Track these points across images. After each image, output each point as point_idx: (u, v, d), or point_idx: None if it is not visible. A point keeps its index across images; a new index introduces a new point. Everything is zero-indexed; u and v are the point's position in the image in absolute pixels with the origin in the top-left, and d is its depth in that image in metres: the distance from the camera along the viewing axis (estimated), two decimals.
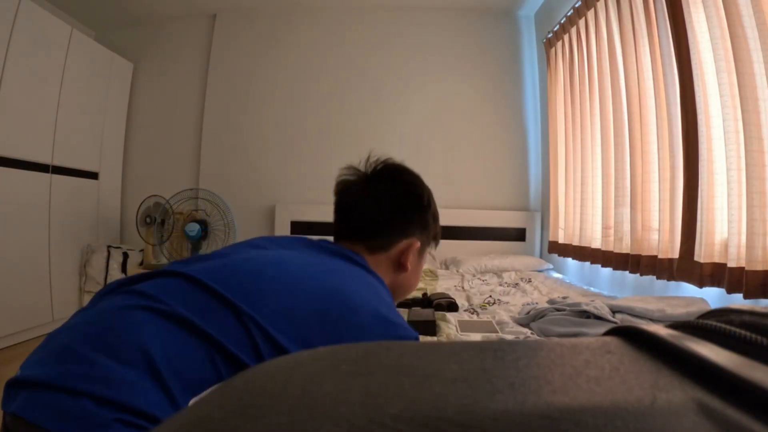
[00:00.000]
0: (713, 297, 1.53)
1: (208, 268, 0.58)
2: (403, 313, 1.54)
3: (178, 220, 3.11)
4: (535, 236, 3.31)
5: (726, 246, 1.43)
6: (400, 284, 0.78)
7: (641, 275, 1.88)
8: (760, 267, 1.29)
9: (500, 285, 2.40)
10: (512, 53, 3.50)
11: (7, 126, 2.42)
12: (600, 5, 2.28)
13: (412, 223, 0.77)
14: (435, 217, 0.82)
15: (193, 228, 3.08)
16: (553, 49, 2.95)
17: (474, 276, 2.71)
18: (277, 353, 0.51)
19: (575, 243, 2.54)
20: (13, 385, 0.48)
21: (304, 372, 0.17)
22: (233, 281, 0.56)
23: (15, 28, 2.40)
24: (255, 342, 0.51)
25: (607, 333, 0.22)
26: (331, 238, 0.80)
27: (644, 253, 1.87)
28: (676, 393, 0.15)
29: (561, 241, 2.78)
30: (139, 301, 0.53)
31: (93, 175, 3.14)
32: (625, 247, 2.02)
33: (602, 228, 2.27)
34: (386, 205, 0.76)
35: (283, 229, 3.32)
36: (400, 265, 0.76)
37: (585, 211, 2.44)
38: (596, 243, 2.33)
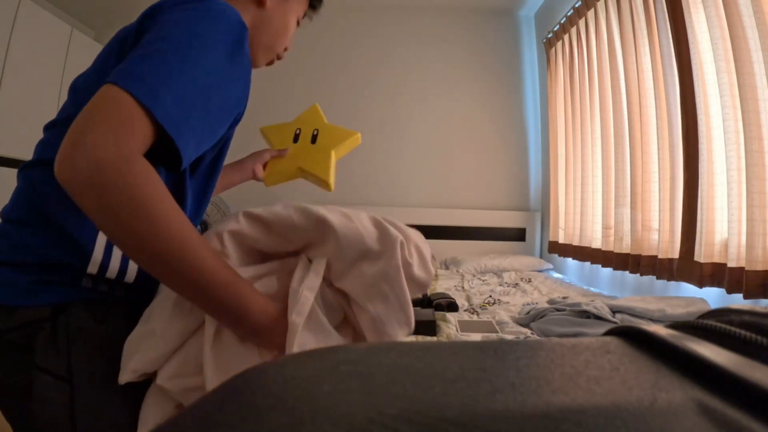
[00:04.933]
0: (713, 297, 1.53)
1: None
2: None
3: None
4: (535, 236, 3.31)
5: (726, 246, 1.43)
6: (262, 24, 0.74)
7: (641, 275, 1.88)
8: (760, 267, 1.29)
9: (500, 285, 2.40)
10: (512, 53, 3.50)
11: (7, 126, 2.42)
12: (600, 5, 2.28)
13: None
14: None
15: None
16: (553, 49, 2.95)
17: (474, 276, 2.70)
18: None
19: (575, 243, 2.54)
20: None
21: (304, 372, 0.17)
22: None
23: (15, 28, 2.40)
24: None
25: (607, 333, 0.22)
26: None
27: (644, 253, 1.87)
28: (676, 393, 0.15)
29: (561, 241, 2.77)
30: None
31: None
32: (625, 247, 2.02)
33: (602, 228, 2.27)
34: None
35: None
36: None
37: (585, 211, 2.44)
38: (596, 243, 2.33)
